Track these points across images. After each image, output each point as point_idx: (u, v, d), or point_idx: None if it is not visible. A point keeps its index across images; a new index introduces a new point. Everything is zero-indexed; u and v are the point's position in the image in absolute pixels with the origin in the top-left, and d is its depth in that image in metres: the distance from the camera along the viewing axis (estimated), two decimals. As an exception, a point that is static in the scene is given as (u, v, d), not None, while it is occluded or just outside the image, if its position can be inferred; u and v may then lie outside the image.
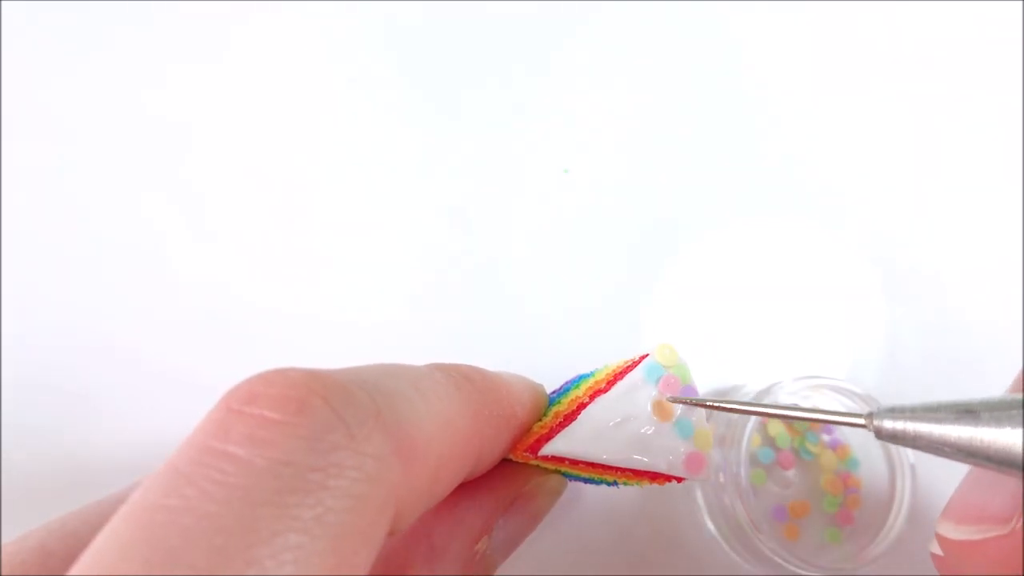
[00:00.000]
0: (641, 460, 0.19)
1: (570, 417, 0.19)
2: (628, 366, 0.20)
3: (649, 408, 0.19)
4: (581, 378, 0.21)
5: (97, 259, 0.29)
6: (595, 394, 0.20)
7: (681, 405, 0.20)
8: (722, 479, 0.26)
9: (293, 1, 0.33)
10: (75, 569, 0.11)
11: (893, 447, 0.27)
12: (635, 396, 0.20)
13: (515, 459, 0.20)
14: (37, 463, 0.27)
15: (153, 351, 0.29)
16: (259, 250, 0.30)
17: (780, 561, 0.25)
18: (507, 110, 0.33)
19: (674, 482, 0.20)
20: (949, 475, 0.30)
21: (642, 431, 0.19)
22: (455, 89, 0.33)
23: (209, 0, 0.32)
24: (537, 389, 0.21)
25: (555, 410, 0.20)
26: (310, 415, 0.13)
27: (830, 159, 0.33)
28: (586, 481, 0.21)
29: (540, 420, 0.20)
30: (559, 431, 0.19)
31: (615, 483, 0.21)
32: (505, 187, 0.32)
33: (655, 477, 0.20)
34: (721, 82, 0.34)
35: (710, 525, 0.28)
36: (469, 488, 0.19)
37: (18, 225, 0.29)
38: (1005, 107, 0.34)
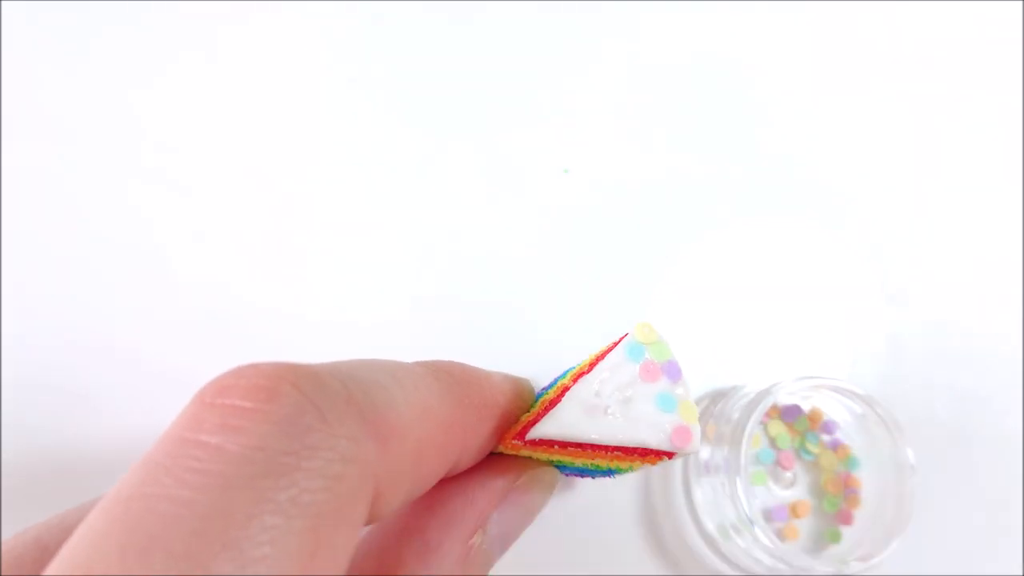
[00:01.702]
0: (628, 437, 0.20)
1: (555, 402, 0.20)
2: (609, 348, 0.20)
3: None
4: (569, 370, 0.22)
5: (97, 259, 0.29)
6: (578, 377, 0.20)
7: (663, 380, 0.20)
8: (722, 479, 0.26)
9: (293, 1, 0.33)
10: (54, 562, 0.11)
11: (893, 446, 0.27)
12: (617, 375, 0.20)
13: (505, 451, 0.20)
14: (37, 463, 0.27)
15: (153, 351, 0.29)
16: (259, 250, 0.30)
17: (780, 561, 0.25)
18: (507, 110, 0.33)
19: (666, 459, 0.20)
20: (949, 475, 0.30)
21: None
22: (455, 89, 0.33)
23: (208, 0, 0.32)
24: (518, 380, 0.21)
25: (542, 399, 0.21)
26: (281, 401, 0.13)
27: (830, 159, 0.33)
28: (580, 473, 0.21)
29: (528, 411, 0.20)
30: (545, 416, 0.19)
31: (609, 471, 0.21)
32: (505, 187, 0.32)
33: (645, 454, 0.20)
34: (721, 82, 0.34)
35: (709, 525, 0.28)
36: (460, 483, 0.19)
37: (18, 225, 0.29)
38: (1005, 107, 0.34)
